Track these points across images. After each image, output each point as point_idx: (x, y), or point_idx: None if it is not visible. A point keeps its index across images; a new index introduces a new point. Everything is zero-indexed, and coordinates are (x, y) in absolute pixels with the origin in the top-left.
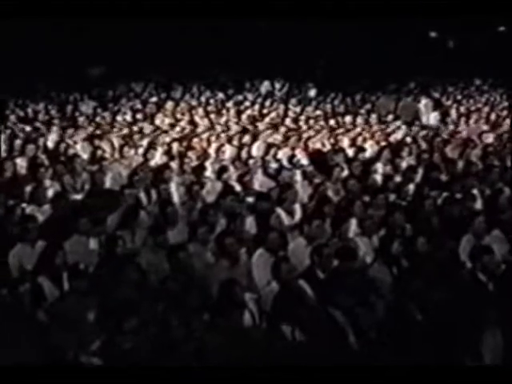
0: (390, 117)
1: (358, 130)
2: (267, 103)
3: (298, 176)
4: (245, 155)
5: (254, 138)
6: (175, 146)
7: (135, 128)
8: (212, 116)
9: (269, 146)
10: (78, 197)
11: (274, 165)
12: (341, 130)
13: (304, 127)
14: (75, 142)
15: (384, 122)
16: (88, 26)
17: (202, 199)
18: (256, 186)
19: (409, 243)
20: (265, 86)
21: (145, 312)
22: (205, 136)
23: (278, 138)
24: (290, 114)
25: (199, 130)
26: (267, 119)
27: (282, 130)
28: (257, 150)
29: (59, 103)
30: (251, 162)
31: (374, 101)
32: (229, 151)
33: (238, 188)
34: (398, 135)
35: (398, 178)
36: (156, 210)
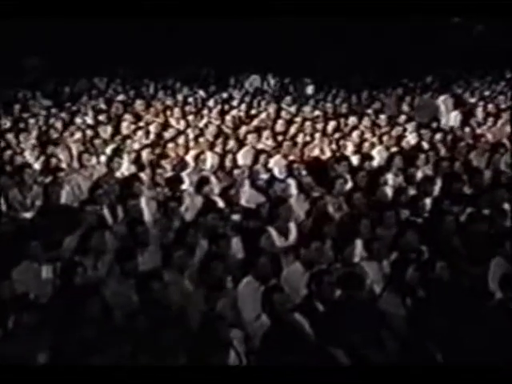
0: (403, 117)
1: (364, 133)
2: (256, 102)
3: (293, 189)
4: (229, 164)
5: (241, 144)
6: (146, 154)
7: (98, 132)
8: (190, 117)
9: (258, 153)
10: (28, 215)
11: (264, 175)
12: (344, 134)
13: (300, 131)
14: (24, 149)
15: (395, 124)
16: (42, 13)
17: (179, 217)
18: (243, 200)
19: (426, 269)
20: (253, 82)
21: (109, 355)
22: (181, 141)
23: (268, 143)
24: (284, 114)
25: (175, 134)
26: (256, 121)
27: (274, 133)
28: (243, 157)
29: (4, 102)
30: (237, 172)
31: (382, 98)
32: (210, 159)
33: (221, 203)
34: (412, 139)
35: (412, 191)
36: (123, 230)
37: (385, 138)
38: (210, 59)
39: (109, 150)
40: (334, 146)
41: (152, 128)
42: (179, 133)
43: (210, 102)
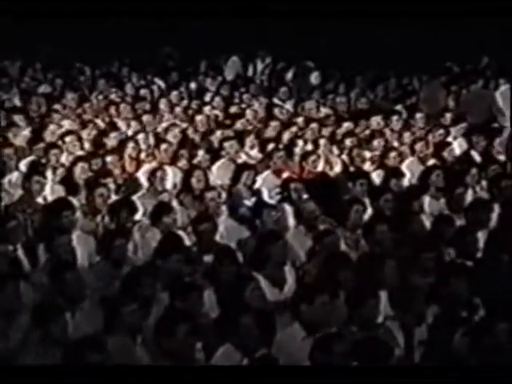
0: (446, 117)
1: (391, 139)
2: (237, 96)
3: (290, 218)
4: (199, 184)
5: (215, 155)
6: (80, 170)
7: (8, 138)
8: (144, 118)
9: (240, 169)
10: None
11: (248, 200)
12: (361, 141)
13: (299, 136)
14: None
15: (435, 126)
16: None
17: (128, 259)
18: (218, 236)
19: (480, 332)
20: (233, 67)
21: None
22: (131, 152)
23: (254, 154)
24: (277, 113)
25: (122, 141)
26: (237, 123)
27: (263, 140)
28: (219, 174)
29: None
30: (210, 195)
31: (417, 90)
32: (172, 177)
33: (188, 240)
34: (459, 148)
35: (458, 222)
36: (46, 279)
37: (419, 146)
38: (172, 36)
39: (24, 164)
40: (347, 158)
41: (88, 133)
42: (128, 139)
43: (172, 96)
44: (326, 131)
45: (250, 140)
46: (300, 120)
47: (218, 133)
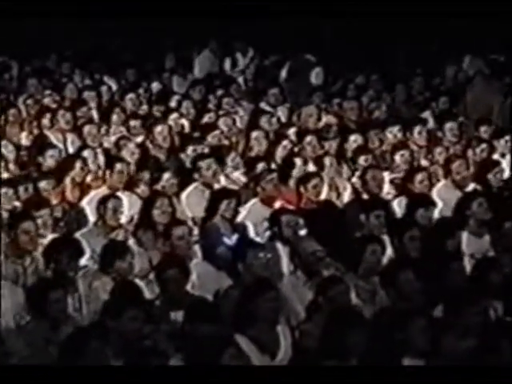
0: (485, 128)
1: (416, 157)
2: (213, 100)
3: (284, 262)
4: (163, 217)
5: (185, 179)
6: (3, 198)
7: None
8: (90, 130)
9: (218, 196)
10: None
11: (228, 237)
12: (376, 157)
13: (295, 153)
14: None
15: (474, 139)
16: None
17: (69, 318)
18: (189, 285)
19: None
20: (205, 63)
21: None
22: (73, 174)
23: (237, 177)
24: (266, 122)
25: (59, 159)
26: (214, 136)
27: (247, 159)
28: (191, 204)
29: None
30: (178, 231)
31: (452, 91)
32: (128, 208)
33: (148, 292)
34: (507, 168)
35: (507, 267)
36: None
37: (455, 166)
38: (128, 23)
39: None
40: (358, 181)
41: (9, 149)
42: (68, 158)
43: (127, 101)
44: (330, 146)
45: (231, 158)
46: (296, 132)
47: (189, 149)
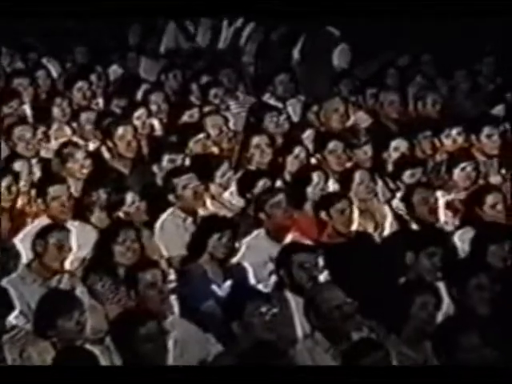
0: None
1: (483, 170)
2: (195, 91)
3: (296, 319)
4: (127, 256)
5: (158, 203)
6: None
7: None
8: (22, 132)
9: (205, 227)
10: None
11: (218, 285)
12: (429, 173)
13: (314, 165)
14: None
15: None
16: None
17: None
18: (170, 359)
19: None
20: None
21: None
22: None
23: (231, 198)
24: (270, 123)
25: None
26: (197, 142)
27: (248, 173)
28: (166, 237)
29: None
30: (147, 277)
31: None
32: (77, 242)
33: (105, 359)
34: None
35: None
36: None
37: None
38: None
39: None
40: (402, 205)
41: None
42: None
43: (75, 91)
44: (362, 156)
45: (221, 172)
46: (314, 135)
47: (165, 159)
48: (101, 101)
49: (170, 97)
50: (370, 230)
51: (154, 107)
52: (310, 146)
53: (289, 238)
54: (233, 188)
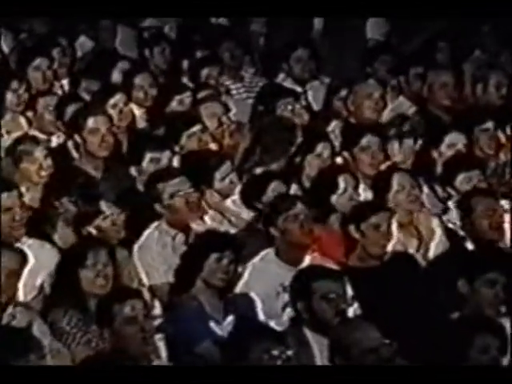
0: None
1: None
2: (188, 69)
3: (317, 362)
4: (96, 284)
5: (141, 214)
6: None
7: None
8: None
9: (202, 245)
10: None
11: (217, 322)
12: (485, 176)
13: (340, 167)
14: None
15: None
16: None
17: None
18: None
19: None
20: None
21: None
22: None
23: (232, 207)
24: (281, 111)
25: None
26: (184, 137)
27: (251, 174)
28: (147, 258)
29: None
30: (125, 310)
31: None
32: (34, 266)
33: None
34: None
35: None
36: None
37: None
38: None
39: None
40: (454, 216)
41: None
42: None
43: (31, 71)
44: (404, 153)
45: (220, 175)
46: (342, 127)
47: (145, 158)
48: (65, 83)
49: (156, 77)
50: (412, 250)
51: (136, 92)
52: (336, 142)
53: (307, 261)
54: (236, 196)
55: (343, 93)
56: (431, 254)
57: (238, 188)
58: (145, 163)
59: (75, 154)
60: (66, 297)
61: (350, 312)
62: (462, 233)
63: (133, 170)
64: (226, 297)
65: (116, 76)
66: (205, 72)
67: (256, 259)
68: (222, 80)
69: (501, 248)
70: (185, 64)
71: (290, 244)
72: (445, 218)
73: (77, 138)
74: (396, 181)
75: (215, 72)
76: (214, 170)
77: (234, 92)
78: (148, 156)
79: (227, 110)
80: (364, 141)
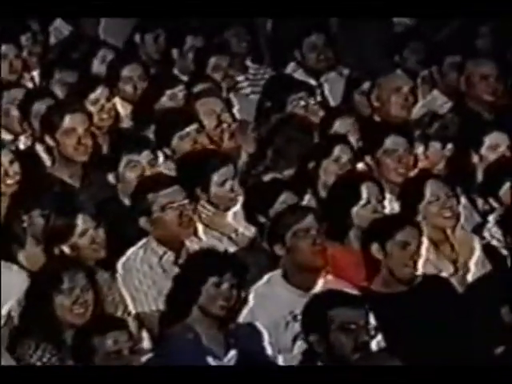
0: None
1: None
2: (178, 60)
3: None
4: (73, 312)
5: (125, 229)
6: None
7: None
8: None
9: (197, 266)
10: None
11: (217, 357)
12: None
13: (362, 170)
14: None
15: None
16: None
17: None
18: None
19: None
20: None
21: None
22: None
23: (232, 221)
24: (292, 108)
25: None
26: (176, 138)
27: (256, 181)
28: (133, 281)
29: None
30: (107, 343)
31: None
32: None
33: None
34: None
35: None
36: None
37: None
38: None
39: None
40: (496, 231)
41: None
42: None
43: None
44: (437, 157)
45: (217, 177)
46: (360, 127)
47: (123, 160)
48: (36, 74)
49: (145, 67)
50: (447, 272)
51: (122, 85)
52: (356, 144)
53: (320, 285)
54: (238, 207)
55: (365, 86)
56: (469, 277)
57: (240, 198)
58: (121, 168)
59: (47, 159)
60: (37, 328)
61: (373, 345)
62: (505, 252)
63: (110, 178)
64: (226, 328)
65: (97, 66)
66: (201, 61)
67: (261, 283)
68: (222, 71)
69: None
70: (175, 52)
71: (299, 265)
72: (486, 234)
73: (48, 140)
74: (429, 190)
75: (214, 61)
76: (212, 172)
77: (236, 85)
78: (125, 159)
79: (229, 106)
80: (389, 142)
